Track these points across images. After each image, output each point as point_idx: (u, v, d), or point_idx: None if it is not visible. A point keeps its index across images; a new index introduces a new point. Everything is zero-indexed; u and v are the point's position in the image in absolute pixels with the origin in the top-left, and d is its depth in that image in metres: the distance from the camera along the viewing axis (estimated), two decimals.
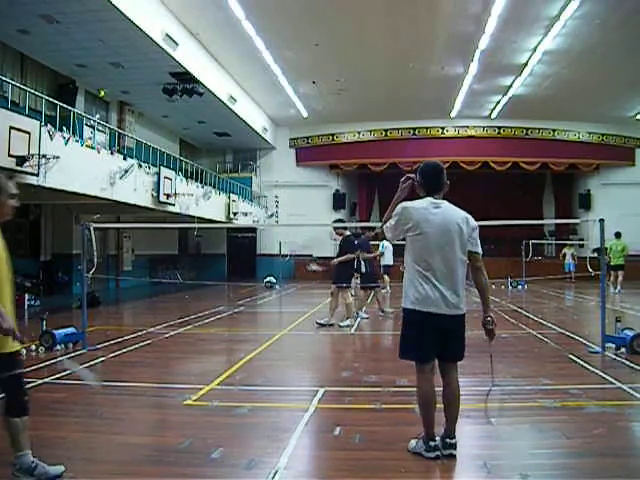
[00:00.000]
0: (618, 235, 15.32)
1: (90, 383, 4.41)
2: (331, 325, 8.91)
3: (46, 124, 9.80)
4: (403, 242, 3.50)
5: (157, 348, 7.23)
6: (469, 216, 3.45)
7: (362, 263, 10.04)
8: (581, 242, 21.21)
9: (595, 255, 9.01)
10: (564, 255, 20.26)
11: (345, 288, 9.18)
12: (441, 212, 3.36)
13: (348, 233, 9.48)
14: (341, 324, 8.90)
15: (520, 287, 16.50)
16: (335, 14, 13.33)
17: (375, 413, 4.30)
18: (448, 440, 3.36)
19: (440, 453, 3.33)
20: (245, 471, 3.19)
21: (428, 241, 3.30)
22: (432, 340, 3.32)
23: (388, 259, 13.71)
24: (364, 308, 10.41)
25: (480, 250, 3.44)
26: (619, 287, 14.98)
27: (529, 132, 22.81)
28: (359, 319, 9.81)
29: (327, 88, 18.88)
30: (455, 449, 3.34)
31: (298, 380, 5.80)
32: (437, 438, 3.37)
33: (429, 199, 3.42)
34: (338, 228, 9.46)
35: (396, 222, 3.43)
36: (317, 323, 9.03)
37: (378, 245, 12.29)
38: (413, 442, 3.47)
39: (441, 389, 3.41)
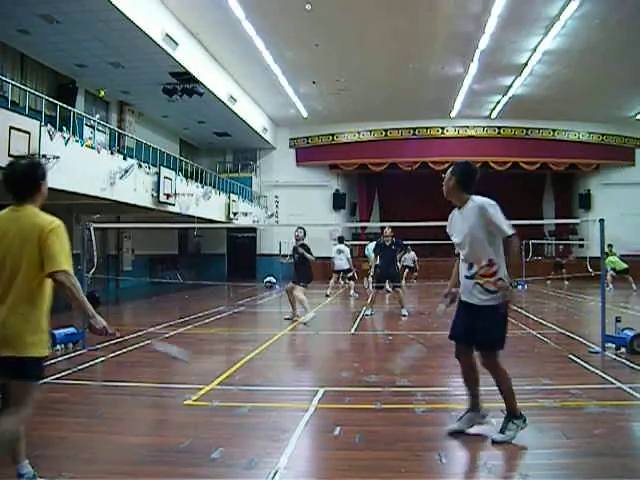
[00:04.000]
0: (610, 247, 15.80)
1: (181, 358, 4.40)
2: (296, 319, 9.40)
3: (46, 124, 9.79)
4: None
5: None
6: (484, 204, 3.46)
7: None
8: (581, 242, 21.18)
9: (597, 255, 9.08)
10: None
11: (301, 286, 9.41)
12: (461, 210, 3.64)
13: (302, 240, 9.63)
14: (306, 321, 9.07)
15: (520, 287, 16.48)
16: (335, 14, 13.33)
17: (375, 413, 4.29)
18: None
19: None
20: (245, 471, 3.19)
21: (457, 239, 3.70)
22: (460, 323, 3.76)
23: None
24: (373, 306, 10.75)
25: (504, 228, 3.42)
26: (633, 286, 15.78)
27: (529, 132, 22.80)
28: (371, 317, 10.32)
29: (327, 88, 18.88)
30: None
31: (298, 380, 5.80)
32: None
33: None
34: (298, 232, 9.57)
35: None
36: (304, 324, 9.14)
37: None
38: None
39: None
